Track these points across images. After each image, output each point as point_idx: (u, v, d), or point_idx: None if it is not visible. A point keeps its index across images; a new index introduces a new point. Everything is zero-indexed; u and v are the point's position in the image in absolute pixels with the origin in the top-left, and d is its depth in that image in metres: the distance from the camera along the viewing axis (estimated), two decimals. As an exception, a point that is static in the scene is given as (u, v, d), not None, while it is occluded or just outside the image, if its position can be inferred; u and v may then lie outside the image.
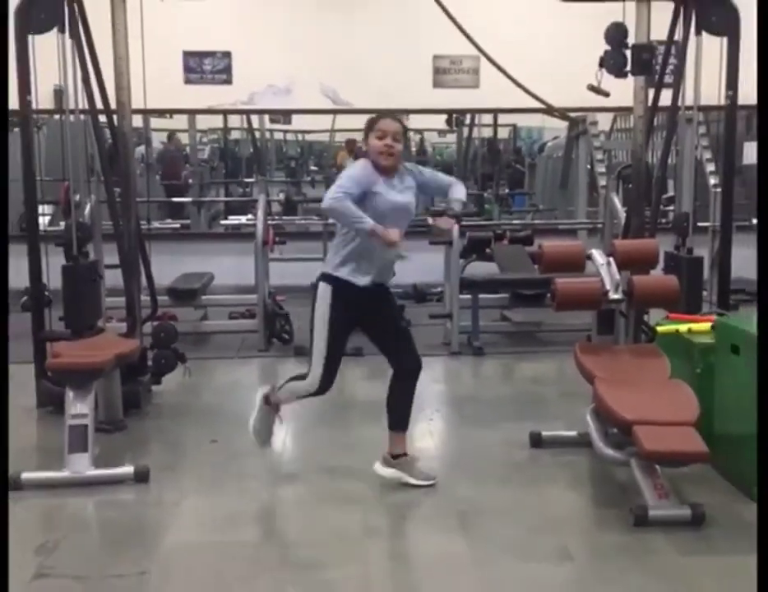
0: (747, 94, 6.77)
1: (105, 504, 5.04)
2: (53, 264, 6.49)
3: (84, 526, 4.86)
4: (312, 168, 19.29)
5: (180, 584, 4.11)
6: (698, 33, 6.55)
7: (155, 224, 10.58)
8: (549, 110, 10.43)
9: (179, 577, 4.17)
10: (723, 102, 6.75)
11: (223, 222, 13.80)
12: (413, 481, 5.12)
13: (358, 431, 6.22)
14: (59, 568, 4.22)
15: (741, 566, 4.13)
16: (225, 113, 13.59)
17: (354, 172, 4.92)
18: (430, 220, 5.24)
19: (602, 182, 10.56)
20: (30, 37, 6.30)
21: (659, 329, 5.82)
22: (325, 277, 4.99)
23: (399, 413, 5.19)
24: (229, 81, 10.66)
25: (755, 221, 11.23)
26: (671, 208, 8.98)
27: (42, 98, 6.52)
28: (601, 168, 10.98)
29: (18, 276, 6.56)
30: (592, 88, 7.38)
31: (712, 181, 9.72)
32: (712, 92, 6.69)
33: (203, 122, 15.46)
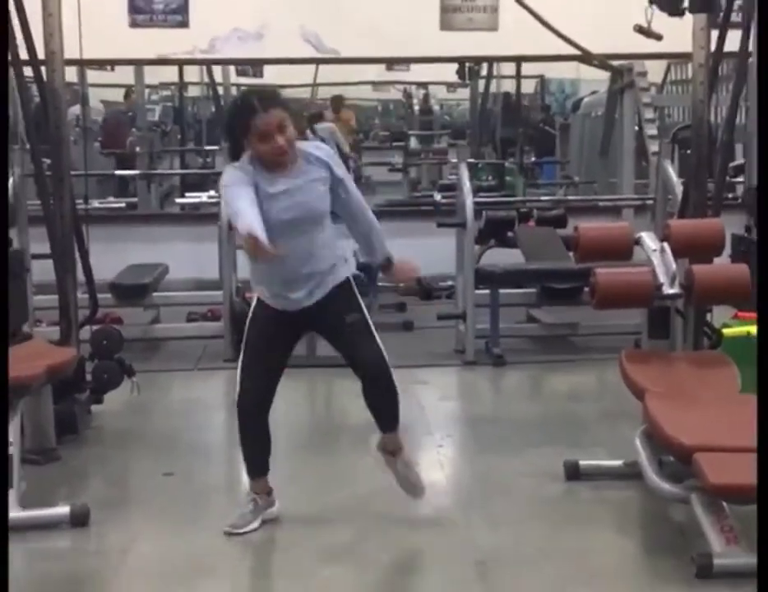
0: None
1: (35, 554, 5.04)
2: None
3: (10, 582, 4.86)
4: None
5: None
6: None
7: (95, 204, 10.58)
8: (586, 57, 10.46)
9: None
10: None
11: (178, 200, 13.80)
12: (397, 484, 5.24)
13: (349, 460, 6.24)
14: (-23, 635, 4.22)
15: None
16: (181, 63, 13.60)
17: (228, 179, 4.95)
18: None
19: (653, 147, 10.56)
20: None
21: (727, 331, 5.84)
22: None
23: (376, 414, 5.22)
24: (185, 24, 10.69)
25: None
26: (740, 179, 9.00)
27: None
28: (652, 130, 10.98)
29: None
30: (640, 29, 7.40)
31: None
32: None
33: (153, 75, 15.44)
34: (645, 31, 7.35)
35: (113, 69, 14.62)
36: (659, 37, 7.43)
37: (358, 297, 5.16)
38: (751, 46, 6.64)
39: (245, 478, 5.46)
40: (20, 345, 6.21)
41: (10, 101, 6.82)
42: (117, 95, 16.78)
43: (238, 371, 5.13)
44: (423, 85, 19.10)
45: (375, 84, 18.99)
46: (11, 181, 6.82)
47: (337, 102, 15.09)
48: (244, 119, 4.84)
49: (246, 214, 4.64)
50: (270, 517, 5.21)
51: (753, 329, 5.66)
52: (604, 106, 12.90)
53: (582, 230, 5.67)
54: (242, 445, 5.19)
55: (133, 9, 10.61)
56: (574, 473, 5.81)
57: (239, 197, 4.76)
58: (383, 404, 5.18)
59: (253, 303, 5.17)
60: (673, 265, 5.44)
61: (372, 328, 5.10)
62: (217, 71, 16.17)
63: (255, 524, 5.15)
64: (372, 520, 5.25)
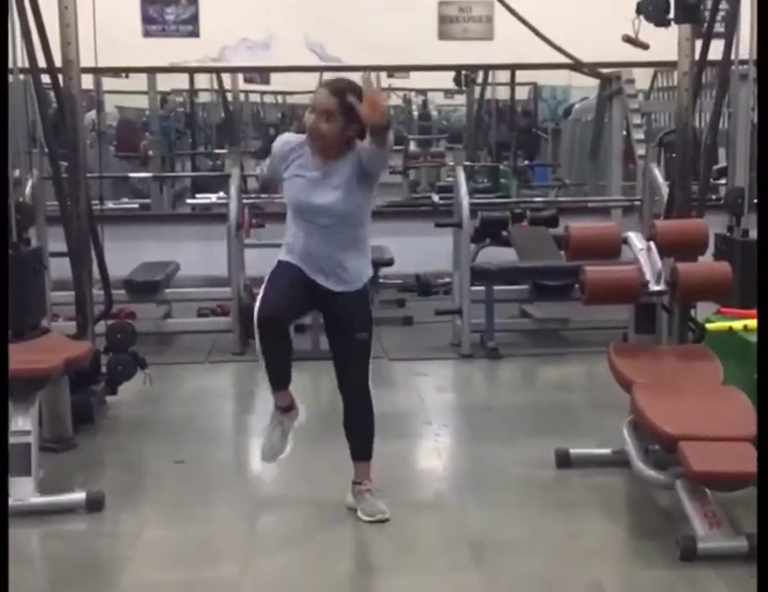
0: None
1: (52, 536, 5.05)
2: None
3: (28, 563, 4.87)
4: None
5: (142, 631, 4.13)
6: (755, -28, 6.55)
7: (110, 204, 10.57)
8: (577, 65, 10.46)
9: (141, 623, 4.19)
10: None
11: (189, 201, 13.77)
12: (360, 515, 5.12)
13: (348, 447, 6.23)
14: (-2, 613, 4.22)
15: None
16: (191, 71, 13.58)
17: (272, 147, 5.11)
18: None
19: (640, 150, 10.56)
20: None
21: (709, 326, 5.83)
22: None
23: (352, 442, 5.25)
24: (195, 34, 10.69)
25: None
26: (723, 181, 8.99)
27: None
28: (639, 135, 10.97)
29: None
30: (628, 39, 7.39)
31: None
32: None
33: (165, 82, 15.42)
34: (632, 41, 7.34)
35: (127, 76, 14.59)
36: (645, 46, 7.42)
37: (371, 311, 5.15)
38: (733, 55, 6.64)
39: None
40: (39, 339, 6.22)
41: (29, 107, 6.80)
42: (131, 101, 16.76)
43: (258, 298, 4.96)
44: (421, 91, 19.08)
45: (376, 91, 18.99)
46: (29, 182, 6.82)
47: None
48: (317, 88, 4.95)
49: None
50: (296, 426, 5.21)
51: (735, 324, 5.67)
52: (594, 112, 12.89)
53: (573, 230, 5.66)
54: (263, 358, 4.96)
55: (146, 19, 10.61)
56: (564, 460, 5.81)
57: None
58: (361, 430, 5.21)
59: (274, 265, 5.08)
60: (659, 264, 5.44)
61: (371, 351, 5.14)
62: (226, 78, 16.16)
63: (287, 449, 5.17)
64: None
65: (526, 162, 15.82)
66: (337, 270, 4.98)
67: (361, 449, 5.23)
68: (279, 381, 5.10)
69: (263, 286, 5.00)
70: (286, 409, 5.17)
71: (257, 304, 4.94)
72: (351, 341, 5.07)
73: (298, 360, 7.50)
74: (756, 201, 7.10)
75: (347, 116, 4.82)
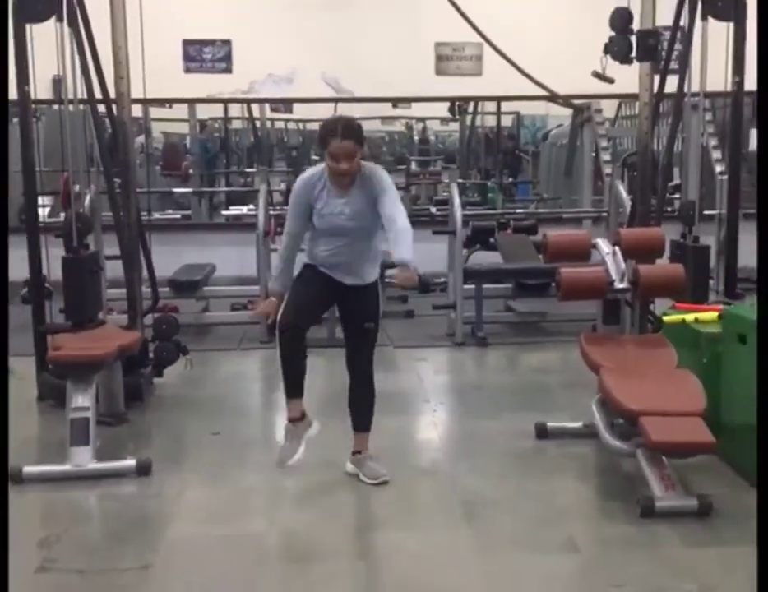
0: (754, 79, 6.78)
1: (107, 497, 5.06)
2: (53, 256, 6.51)
3: (86, 519, 4.88)
4: (314, 157, 19.24)
5: (183, 577, 4.13)
6: (704, 18, 6.54)
7: (156, 215, 10.57)
8: (553, 97, 10.44)
9: (182, 570, 4.19)
10: (729, 88, 6.74)
11: (224, 213, 13.79)
12: (362, 478, 5.14)
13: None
14: (62, 561, 4.23)
15: (747, 557, 4.13)
16: (225, 101, 13.56)
17: (294, 191, 5.09)
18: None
19: (607, 170, 10.53)
20: (27, 26, 6.30)
21: (666, 319, 5.82)
22: None
23: (354, 415, 5.28)
24: (229, 70, 10.68)
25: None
26: (677, 196, 8.97)
27: (41, 88, 6.52)
28: (606, 156, 10.94)
29: (18, 268, 6.56)
30: (596, 74, 7.37)
31: (718, 168, 9.70)
32: (718, 78, 6.69)
33: (203, 111, 15.41)
34: (600, 76, 7.32)
35: (170, 106, 14.59)
36: (611, 81, 7.39)
37: (380, 304, 5.19)
38: (686, 88, 6.63)
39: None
40: (96, 329, 6.23)
41: (87, 133, 6.80)
42: (175, 128, 16.74)
43: (282, 308, 5.00)
44: (421, 119, 19.01)
45: (383, 119, 18.91)
46: (88, 196, 6.82)
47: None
48: (326, 136, 4.89)
49: (277, 274, 5.18)
50: (312, 435, 5.17)
51: (688, 317, 5.65)
52: (568, 136, 12.88)
53: (550, 237, 5.66)
54: (282, 362, 4.96)
55: (187, 58, 10.60)
56: (542, 432, 5.81)
57: (286, 235, 5.16)
58: (363, 405, 5.24)
59: (301, 268, 5.13)
60: (623, 265, 5.43)
61: (376, 339, 5.17)
62: (255, 108, 16.14)
63: (301, 451, 5.12)
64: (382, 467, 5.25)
65: (510, 179, 15.80)
66: (356, 272, 5.05)
67: (362, 421, 5.26)
68: (294, 387, 5.08)
69: (290, 291, 5.04)
70: (297, 419, 5.14)
71: (281, 311, 4.98)
72: (361, 329, 5.12)
73: (317, 347, 7.57)
74: (705, 212, 7.16)
75: (360, 144, 4.94)
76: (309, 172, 5.09)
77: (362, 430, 5.27)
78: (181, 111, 15.04)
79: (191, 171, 14.92)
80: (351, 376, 5.23)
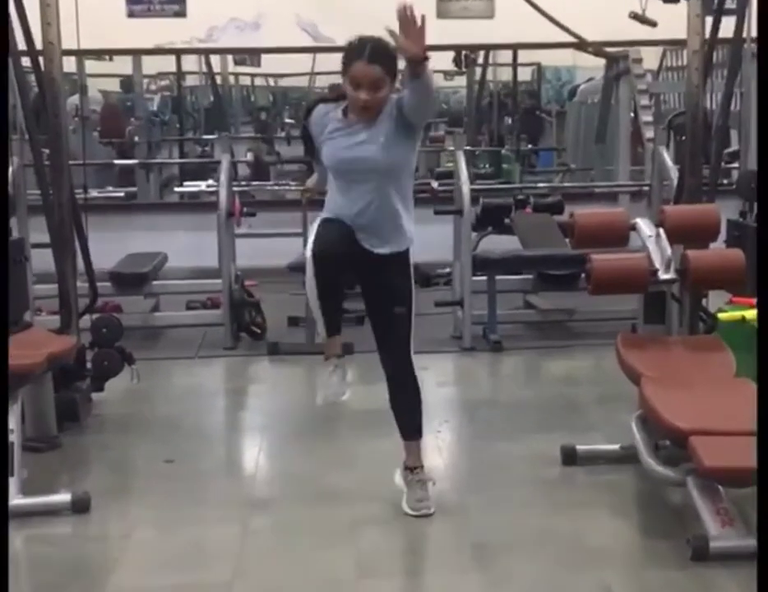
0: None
1: (37, 539, 5.05)
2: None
3: (12, 567, 4.86)
4: (288, 120, 19.27)
5: (130, 638, 4.14)
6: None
7: (94, 193, 10.58)
8: (582, 45, 10.46)
9: (129, 630, 4.20)
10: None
11: (177, 189, 13.78)
12: (403, 505, 5.17)
13: (349, 447, 6.24)
14: (-20, 620, 4.24)
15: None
16: (178, 52, 13.58)
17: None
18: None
19: (648, 133, 10.57)
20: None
21: (722, 316, 5.85)
22: None
23: (399, 420, 5.29)
24: (182, 14, 10.70)
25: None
26: (735, 165, 9.00)
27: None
28: (647, 117, 10.98)
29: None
30: (635, 16, 7.42)
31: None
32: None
33: (151, 65, 15.41)
34: (639, 18, 7.37)
35: (111, 59, 14.60)
36: (653, 23, 7.45)
37: (412, 282, 5.18)
38: (746, 32, 6.64)
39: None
40: (21, 334, 6.21)
41: (9, 91, 6.81)
42: (115, 85, 16.76)
43: (311, 238, 5.01)
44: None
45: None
46: (10, 171, 6.82)
47: (336, 90, 14.90)
48: (349, 59, 4.90)
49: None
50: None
51: (748, 313, 5.68)
52: (600, 93, 12.91)
53: (578, 217, 5.67)
54: (318, 297, 4.95)
55: (131, -1, 10.61)
56: (570, 457, 5.82)
57: None
58: (401, 409, 5.26)
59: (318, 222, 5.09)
60: (669, 251, 5.44)
61: (411, 326, 5.15)
62: (215, 60, 16.16)
63: (346, 391, 5.19)
64: (373, 502, 5.27)
65: (530, 146, 15.83)
66: (385, 234, 5.02)
67: (408, 425, 5.27)
68: (333, 322, 5.09)
69: (313, 230, 5.04)
70: (338, 356, 5.14)
71: (310, 242, 4.96)
72: (389, 316, 5.12)
73: (293, 354, 7.59)
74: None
75: (392, 76, 4.93)
76: (323, 105, 5.18)
77: (410, 436, 5.27)
78: (124, 65, 15.05)
79: (136, 138, 14.92)
80: (387, 376, 5.24)
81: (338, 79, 5.19)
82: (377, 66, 4.84)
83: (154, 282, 9.46)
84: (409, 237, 5.10)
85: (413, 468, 5.24)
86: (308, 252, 4.94)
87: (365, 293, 5.27)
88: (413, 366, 5.21)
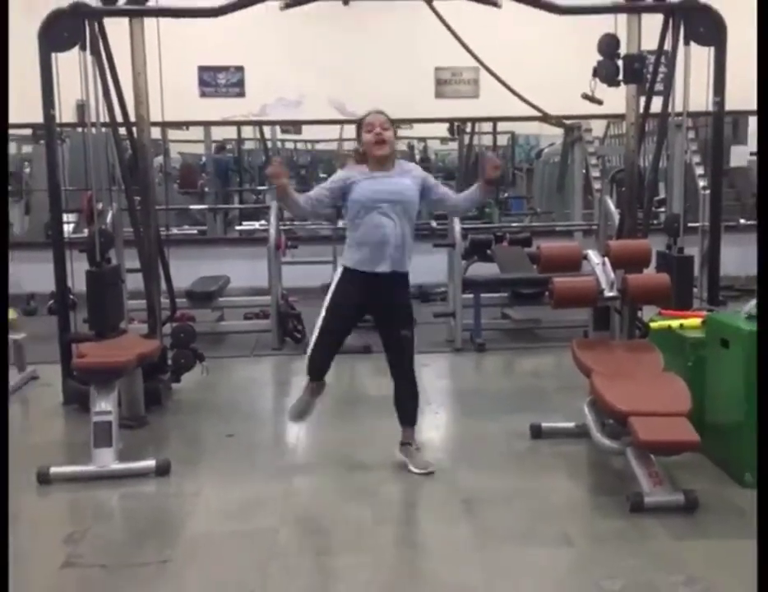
0: (734, 99, 6.78)
1: (129, 496, 5.03)
2: (78, 269, 6.51)
3: (109, 517, 4.86)
4: (321, 175, 19.26)
5: (201, 570, 4.11)
6: (686, 43, 6.53)
7: (174, 230, 10.58)
8: (546, 118, 10.43)
9: (200, 564, 4.17)
10: (710, 108, 6.73)
11: (238, 228, 13.79)
12: (411, 468, 5.19)
13: (368, 425, 6.21)
14: (86, 557, 4.22)
15: (732, 549, 4.13)
16: (239, 124, 13.59)
17: (334, 175, 5.18)
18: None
19: (596, 185, 10.56)
20: (53, 55, 6.31)
21: (653, 325, 5.81)
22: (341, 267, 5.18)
23: (400, 412, 5.32)
24: (242, 94, 10.68)
25: (742, 221, 11.25)
26: (662, 209, 8.97)
27: (65, 112, 6.51)
28: (596, 173, 10.96)
29: (45, 281, 6.56)
30: (586, 96, 7.38)
31: (701, 183, 9.70)
32: (700, 99, 6.67)
33: (218, 133, 15.43)
34: (589, 98, 7.32)
35: (187, 128, 14.62)
36: (600, 102, 7.40)
37: (411, 306, 5.23)
38: (670, 108, 6.61)
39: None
40: (118, 338, 6.23)
41: (109, 153, 6.83)
42: (191, 148, 16.78)
43: (315, 334, 5.16)
44: (422, 139, 19.04)
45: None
46: (110, 213, 6.83)
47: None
48: (360, 121, 5.07)
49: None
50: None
51: (673, 323, 5.64)
52: (560, 154, 12.90)
53: (543, 249, 5.64)
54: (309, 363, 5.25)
55: (202, 83, 10.61)
56: (537, 433, 5.79)
57: (306, 195, 5.10)
58: (408, 404, 5.31)
59: (337, 276, 5.13)
60: (612, 275, 5.41)
61: (414, 343, 5.21)
62: (266, 129, 16.19)
63: (306, 418, 5.42)
64: (386, 469, 5.25)
65: (506, 195, 15.80)
66: (397, 255, 5.04)
67: (407, 417, 5.33)
68: (316, 373, 5.27)
69: (324, 311, 5.12)
70: (313, 392, 5.29)
71: (312, 343, 5.17)
72: (398, 338, 5.15)
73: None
74: (689, 225, 7.14)
75: (393, 126, 5.07)
76: (346, 169, 5.18)
77: (407, 424, 5.32)
78: (197, 133, 15.07)
79: (206, 189, 14.94)
80: (395, 380, 5.25)
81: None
82: (383, 115, 5.06)
83: (220, 298, 9.46)
84: (408, 264, 5.16)
85: (408, 443, 5.30)
86: (307, 356, 5.21)
87: (376, 320, 5.29)
88: (415, 374, 5.29)
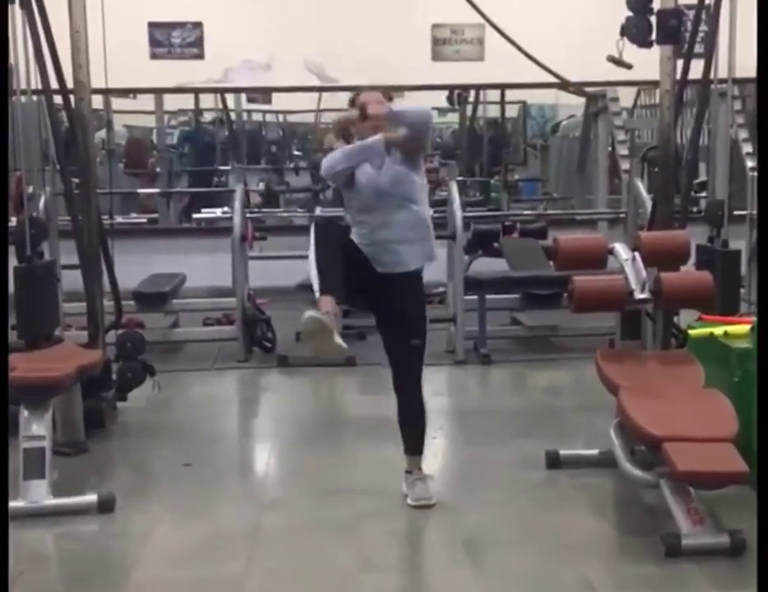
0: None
1: (66, 536, 5.03)
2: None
3: (42, 562, 4.86)
4: (296, 153, 19.28)
5: (152, 626, 4.13)
6: (732, -5, 6.57)
7: (119, 219, 10.57)
8: (564, 85, 10.47)
9: (150, 619, 4.18)
10: (761, 73, 6.76)
11: (195, 216, 13.78)
12: (408, 500, 5.23)
13: (351, 450, 6.23)
14: (15, 610, 4.22)
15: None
16: (196, 91, 13.60)
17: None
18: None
19: (624, 165, 10.57)
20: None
21: (692, 332, 5.83)
22: None
23: (404, 437, 5.37)
24: (200, 56, 10.71)
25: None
26: (703, 195, 9.01)
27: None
28: (623, 151, 10.97)
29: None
30: (612, 59, 7.40)
31: (749, 163, 9.73)
32: (749, 62, 6.70)
33: (171, 102, 15.42)
34: (616, 61, 7.34)
35: (135, 97, 14.60)
36: (629, 66, 7.42)
37: (425, 308, 5.35)
38: (713, 74, 6.64)
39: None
40: (52, 348, 6.22)
41: (42, 127, 6.82)
42: (139, 120, 16.76)
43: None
44: (416, 110, 19.06)
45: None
46: (42, 198, 6.82)
47: (342, 128, 14.85)
48: (353, 99, 5.44)
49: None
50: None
51: (716, 330, 5.67)
52: (580, 128, 12.92)
53: (561, 241, 5.66)
54: (316, 261, 4.91)
55: (153, 43, 10.62)
56: (554, 461, 5.81)
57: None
58: (413, 429, 5.34)
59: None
60: (644, 273, 5.43)
61: (423, 352, 5.29)
62: (229, 98, 16.18)
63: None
64: (374, 502, 5.27)
65: (516, 177, 15.82)
66: (398, 253, 5.13)
67: (411, 444, 5.36)
68: (329, 282, 4.91)
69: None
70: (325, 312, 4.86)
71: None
72: (405, 347, 5.22)
73: (300, 367, 7.53)
74: (734, 213, 7.17)
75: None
76: None
77: (411, 452, 5.36)
78: (147, 102, 15.06)
79: (158, 169, 14.93)
80: (398, 398, 5.30)
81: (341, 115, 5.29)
82: (377, 92, 5.43)
83: (174, 300, 9.46)
84: (418, 261, 5.26)
85: (409, 471, 5.33)
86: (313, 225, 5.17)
87: (380, 323, 5.38)
88: (422, 392, 5.34)
